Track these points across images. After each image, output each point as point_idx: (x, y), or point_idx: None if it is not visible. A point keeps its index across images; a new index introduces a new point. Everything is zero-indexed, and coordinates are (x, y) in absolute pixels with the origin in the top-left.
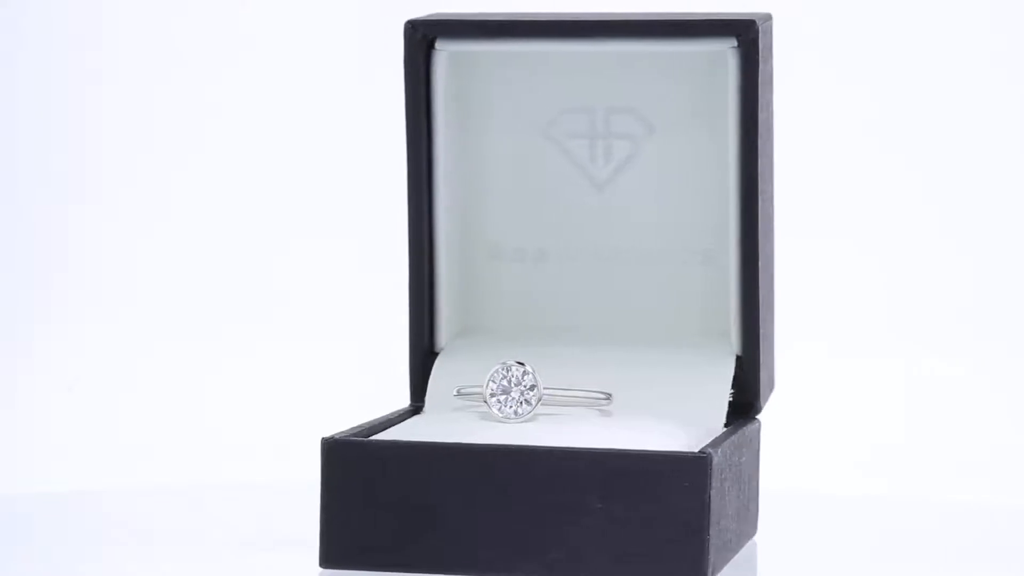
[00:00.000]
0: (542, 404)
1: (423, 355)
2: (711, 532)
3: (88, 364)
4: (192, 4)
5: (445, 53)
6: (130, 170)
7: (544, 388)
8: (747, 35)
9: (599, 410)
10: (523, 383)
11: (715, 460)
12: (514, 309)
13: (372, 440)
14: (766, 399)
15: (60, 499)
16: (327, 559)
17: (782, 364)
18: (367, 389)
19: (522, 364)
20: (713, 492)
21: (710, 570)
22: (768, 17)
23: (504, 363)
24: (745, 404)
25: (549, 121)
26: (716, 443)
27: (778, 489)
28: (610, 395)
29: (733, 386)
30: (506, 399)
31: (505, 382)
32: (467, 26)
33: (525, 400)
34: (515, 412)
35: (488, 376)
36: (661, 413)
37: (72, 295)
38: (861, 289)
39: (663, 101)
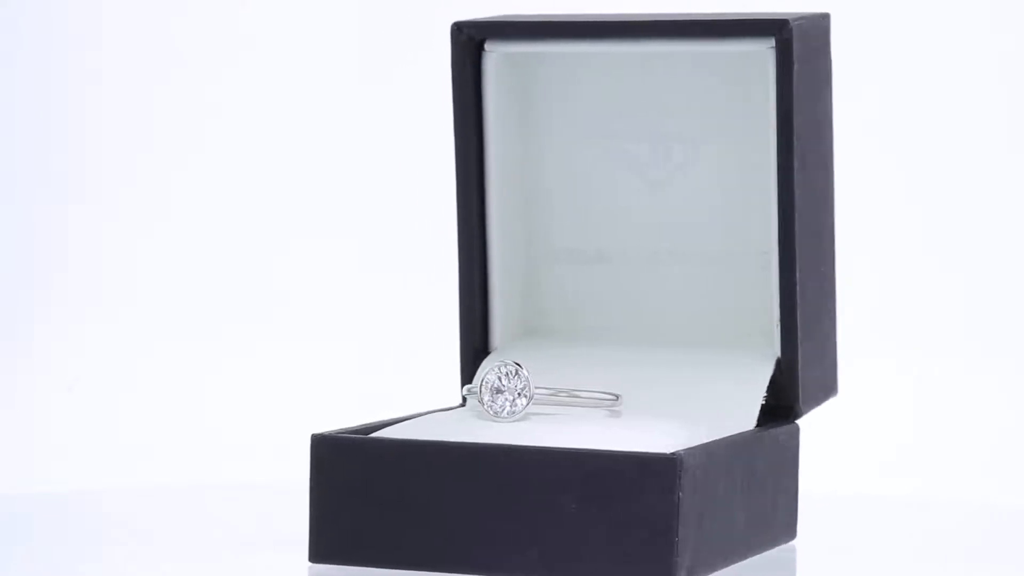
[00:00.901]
0: (551, 405)
1: (475, 355)
2: (681, 534)
3: (88, 364)
4: (200, 3)
5: (495, 54)
6: (133, 170)
7: (541, 388)
8: (781, 35)
9: (609, 410)
10: (514, 383)
11: (687, 462)
12: (567, 310)
13: (356, 437)
14: (811, 404)
15: (60, 499)
16: (316, 554)
17: (850, 370)
18: (405, 387)
19: (515, 364)
20: (685, 494)
21: (682, 572)
22: (816, 16)
23: (497, 362)
24: (784, 408)
25: (603, 122)
26: (704, 445)
27: (828, 493)
28: (619, 396)
29: (771, 389)
30: (498, 398)
31: (498, 382)
32: (514, 27)
33: (516, 400)
34: (508, 411)
35: (481, 376)
36: (678, 413)
37: (72, 295)
38: (932, 294)
39: (716, 102)
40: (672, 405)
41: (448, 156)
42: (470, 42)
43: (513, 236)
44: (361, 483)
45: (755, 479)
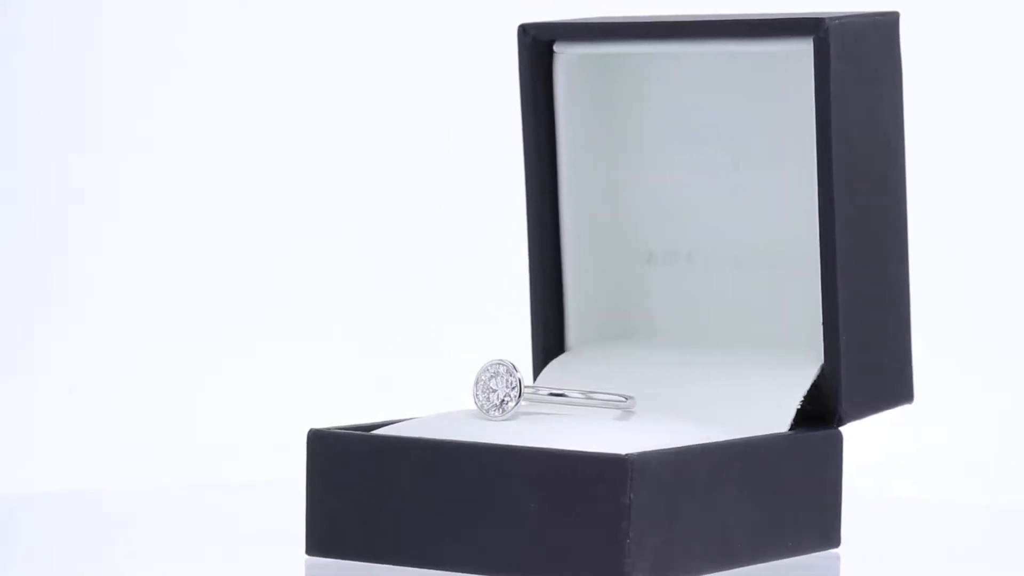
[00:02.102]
0: (562, 405)
1: (545, 355)
2: (633, 535)
3: (88, 364)
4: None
5: (565, 56)
6: (133, 169)
7: (542, 389)
8: (817, 34)
9: (624, 411)
10: (507, 382)
11: (639, 464)
12: (639, 310)
13: (348, 433)
14: (858, 410)
15: (60, 499)
16: (312, 547)
17: (925, 377)
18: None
19: (508, 364)
20: (639, 496)
21: (635, 574)
22: (873, 15)
23: (490, 362)
24: (827, 413)
25: (676, 124)
26: (681, 448)
27: (894, 499)
28: (631, 397)
29: (814, 394)
30: (492, 397)
31: (492, 381)
32: (582, 29)
33: (507, 399)
34: (499, 410)
35: (476, 375)
36: (700, 414)
37: (72, 295)
38: (997, 293)
39: (782, 103)
40: (702, 406)
41: (502, 153)
42: (536, 44)
43: (586, 236)
44: (353, 478)
45: (769, 483)
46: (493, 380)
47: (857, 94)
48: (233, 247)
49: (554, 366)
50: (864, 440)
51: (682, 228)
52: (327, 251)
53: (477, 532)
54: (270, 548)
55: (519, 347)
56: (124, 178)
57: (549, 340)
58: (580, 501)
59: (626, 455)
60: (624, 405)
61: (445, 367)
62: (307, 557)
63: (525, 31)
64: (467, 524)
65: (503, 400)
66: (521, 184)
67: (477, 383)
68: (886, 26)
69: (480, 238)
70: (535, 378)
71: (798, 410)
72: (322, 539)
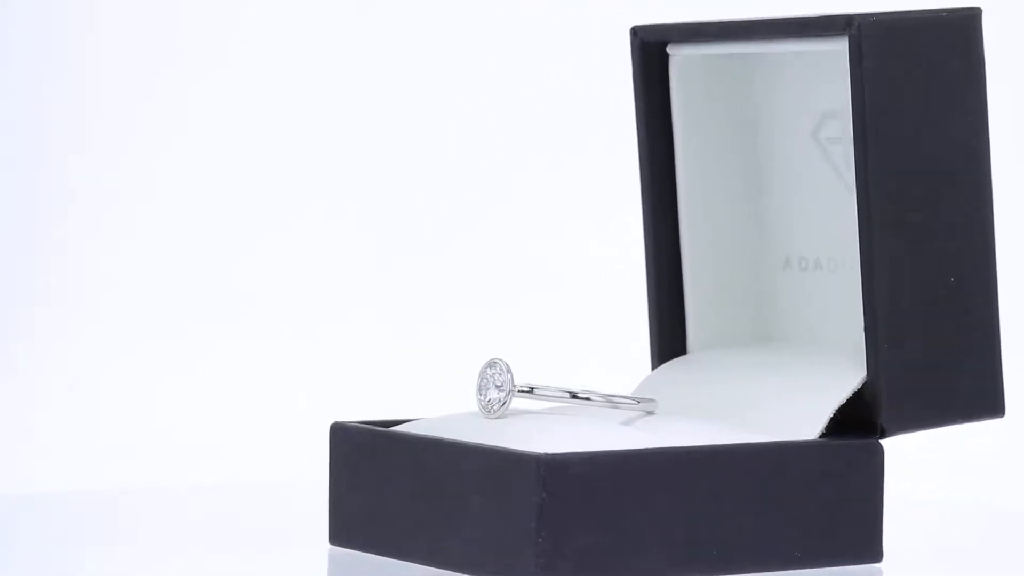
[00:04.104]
0: (587, 404)
1: (662, 358)
2: (544, 535)
3: (88, 364)
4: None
5: (679, 57)
6: (133, 169)
7: (558, 390)
8: (849, 32)
9: (646, 412)
10: (504, 381)
11: (557, 463)
12: (753, 316)
13: (365, 427)
14: (907, 422)
15: (60, 499)
16: (335, 537)
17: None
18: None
19: (503, 363)
20: (551, 495)
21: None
22: (927, 12)
23: (488, 362)
24: (868, 423)
25: (793, 122)
26: (654, 449)
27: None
28: (652, 400)
29: (856, 402)
30: (488, 395)
31: (487, 381)
32: (692, 30)
33: (501, 397)
34: (495, 409)
35: (478, 374)
36: (722, 417)
37: (72, 296)
38: None
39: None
40: (739, 409)
41: (612, 158)
42: (647, 47)
43: (708, 240)
44: (372, 471)
45: (766, 488)
46: (488, 380)
47: (907, 94)
48: (247, 244)
49: (665, 369)
50: (933, 453)
51: (808, 234)
52: (359, 247)
53: (442, 528)
54: (294, 536)
55: (636, 351)
56: (124, 178)
57: (665, 344)
58: (507, 499)
59: (542, 454)
60: (642, 407)
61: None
62: (330, 547)
63: (635, 33)
64: (438, 519)
65: (496, 399)
66: (629, 190)
67: (479, 383)
68: (960, 23)
69: (594, 243)
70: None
71: (843, 418)
72: (346, 530)
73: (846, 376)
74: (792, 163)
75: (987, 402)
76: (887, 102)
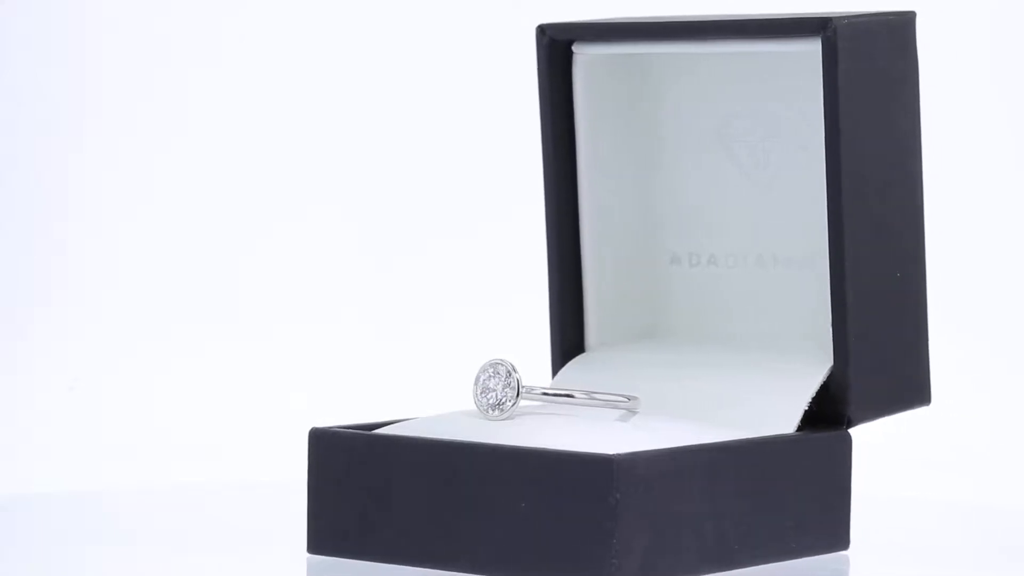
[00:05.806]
0: (566, 405)
1: (564, 356)
2: (619, 536)
3: (88, 364)
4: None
5: (584, 56)
6: (135, 169)
7: (542, 388)
8: (824, 34)
9: (627, 411)
10: (505, 383)
11: (624, 464)
12: (657, 313)
13: (345, 432)
14: (870, 412)
15: (60, 499)
16: (314, 546)
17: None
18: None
19: (505, 363)
20: (623, 496)
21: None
22: (888, 15)
23: (489, 362)
24: (837, 415)
25: (698, 122)
26: (679, 448)
27: (909, 500)
28: (635, 397)
29: (824, 396)
30: (489, 396)
31: (490, 381)
32: (600, 29)
33: (504, 399)
34: (497, 410)
35: (476, 375)
36: (701, 415)
37: (72, 296)
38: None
39: (796, 102)
40: (710, 406)
41: (518, 154)
42: (554, 45)
43: (606, 239)
44: (354, 477)
45: (771, 483)
46: (491, 380)
47: (868, 94)
48: (238, 245)
49: (572, 366)
50: (881, 441)
51: (703, 230)
52: (330, 249)
53: (472, 531)
54: (272, 545)
55: (534, 347)
56: (123, 178)
57: (568, 341)
58: (569, 501)
59: (612, 455)
60: (627, 405)
61: (452, 366)
62: (308, 556)
63: (543, 31)
64: (464, 523)
65: (501, 400)
66: (536, 185)
67: (476, 383)
68: (901, 26)
69: (495, 237)
70: (552, 378)
71: (808, 411)
72: (324, 538)
73: (807, 370)
74: (696, 162)
75: (919, 391)
76: (853, 104)
